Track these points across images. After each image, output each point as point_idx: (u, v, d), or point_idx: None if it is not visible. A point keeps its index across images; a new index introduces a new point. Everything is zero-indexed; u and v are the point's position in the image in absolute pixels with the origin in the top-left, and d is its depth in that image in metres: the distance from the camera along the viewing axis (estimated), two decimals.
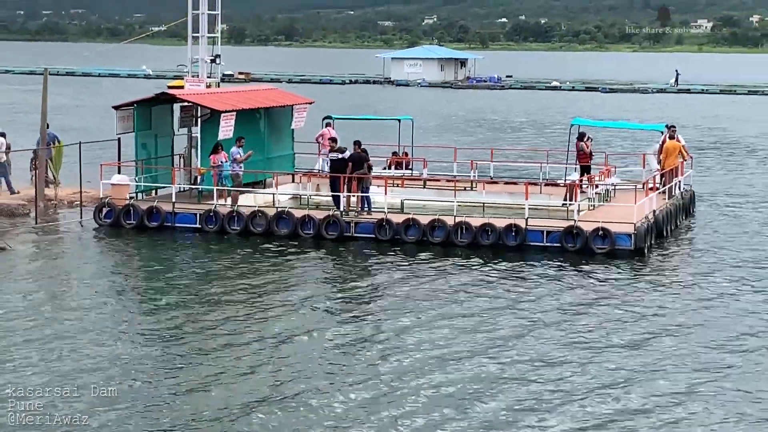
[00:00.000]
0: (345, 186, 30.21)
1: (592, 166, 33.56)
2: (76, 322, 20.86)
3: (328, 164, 32.17)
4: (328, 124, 35.76)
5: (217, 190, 30.63)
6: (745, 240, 31.01)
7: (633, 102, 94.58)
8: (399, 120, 40.04)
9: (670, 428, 16.01)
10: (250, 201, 31.22)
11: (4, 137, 34.84)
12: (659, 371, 18.53)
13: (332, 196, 30.79)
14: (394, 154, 38.14)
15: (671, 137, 33.67)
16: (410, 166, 37.62)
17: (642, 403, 16.97)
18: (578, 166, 33.24)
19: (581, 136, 33.45)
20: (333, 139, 32.90)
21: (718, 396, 17.37)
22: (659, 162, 33.62)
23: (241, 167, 31.09)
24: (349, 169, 30.57)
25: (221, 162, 30.70)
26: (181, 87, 45.42)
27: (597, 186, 32.17)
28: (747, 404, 17.05)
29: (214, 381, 17.53)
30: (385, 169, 36.72)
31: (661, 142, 34.15)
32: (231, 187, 30.84)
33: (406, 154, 38.18)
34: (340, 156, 30.92)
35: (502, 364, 18.66)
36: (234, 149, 30.88)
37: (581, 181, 32.05)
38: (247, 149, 31.87)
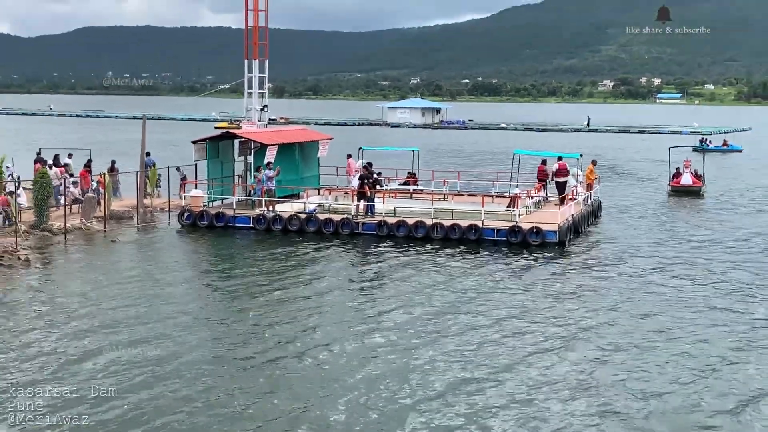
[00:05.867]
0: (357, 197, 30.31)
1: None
2: (166, 292, 20.90)
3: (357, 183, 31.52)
4: (349, 156, 35.65)
5: (260, 200, 30.58)
6: (635, 233, 31.15)
7: (557, 138, 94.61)
8: (413, 151, 40.74)
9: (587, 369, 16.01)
10: (287, 208, 31.21)
11: (114, 163, 34.77)
12: (570, 317, 18.61)
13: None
14: (409, 173, 38.24)
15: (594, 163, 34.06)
16: (417, 183, 37.61)
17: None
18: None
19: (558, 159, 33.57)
20: (364, 166, 32.02)
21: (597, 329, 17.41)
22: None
23: (273, 183, 30.87)
24: (359, 185, 30.58)
25: (262, 179, 30.68)
26: (224, 128, 45.55)
27: (532, 197, 32.23)
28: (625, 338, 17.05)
29: (268, 323, 17.58)
30: (400, 184, 36.82)
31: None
32: (267, 198, 30.71)
33: (414, 175, 38.25)
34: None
35: (470, 314, 18.69)
36: (267, 171, 30.77)
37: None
38: (285, 172, 31.87)
